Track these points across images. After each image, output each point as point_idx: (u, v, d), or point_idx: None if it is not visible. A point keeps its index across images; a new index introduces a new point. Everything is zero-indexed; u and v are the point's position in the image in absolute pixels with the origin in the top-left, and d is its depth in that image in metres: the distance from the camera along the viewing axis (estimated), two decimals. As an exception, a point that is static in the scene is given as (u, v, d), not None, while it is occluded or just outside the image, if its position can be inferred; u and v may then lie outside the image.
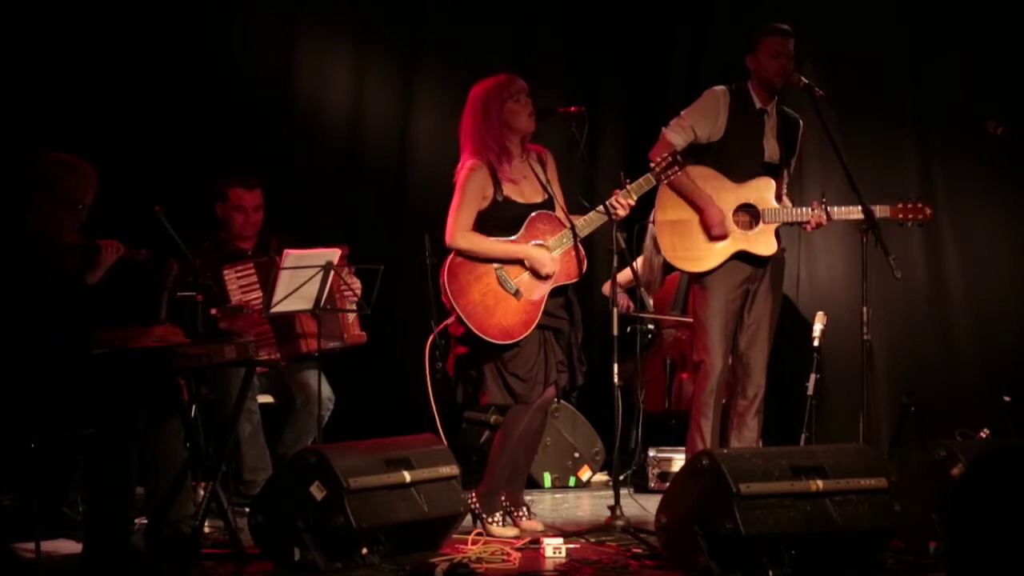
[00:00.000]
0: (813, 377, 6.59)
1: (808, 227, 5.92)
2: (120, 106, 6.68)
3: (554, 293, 5.40)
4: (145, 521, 5.01)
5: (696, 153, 5.88)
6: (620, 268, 5.67)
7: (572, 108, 5.52)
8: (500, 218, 5.35)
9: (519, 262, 5.33)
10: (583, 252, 5.43)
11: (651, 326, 7.05)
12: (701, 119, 5.87)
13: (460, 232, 5.33)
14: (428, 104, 7.60)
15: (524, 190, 5.42)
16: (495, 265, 5.33)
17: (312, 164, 7.31)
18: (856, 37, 7.22)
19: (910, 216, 5.83)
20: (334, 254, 5.80)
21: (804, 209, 5.86)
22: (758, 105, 5.92)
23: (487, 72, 7.65)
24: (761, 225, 5.86)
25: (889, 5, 7.21)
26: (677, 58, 7.90)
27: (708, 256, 5.83)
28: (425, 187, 7.49)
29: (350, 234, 6.47)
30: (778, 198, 5.92)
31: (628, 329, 6.94)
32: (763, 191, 5.87)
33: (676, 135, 5.84)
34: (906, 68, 7.13)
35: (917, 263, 6.99)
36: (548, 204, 5.43)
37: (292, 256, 5.77)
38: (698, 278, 5.87)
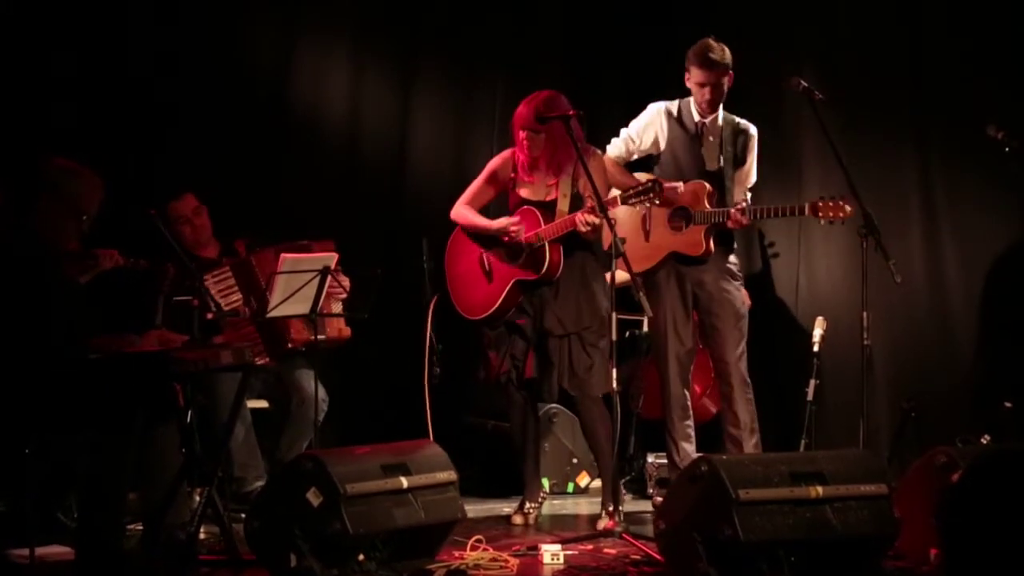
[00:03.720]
0: (813, 383, 6.60)
1: (730, 224, 6.03)
2: (117, 107, 6.69)
3: (529, 291, 5.82)
4: (140, 527, 5.04)
5: (646, 163, 6.28)
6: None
7: (571, 111, 5.63)
8: (507, 206, 5.95)
9: (498, 245, 5.88)
10: (552, 256, 5.76)
11: (648, 329, 7.05)
12: (639, 130, 6.23)
13: (458, 204, 6.02)
14: (427, 106, 7.61)
15: (537, 189, 5.88)
16: (483, 249, 5.91)
17: (310, 167, 7.31)
18: (855, 38, 7.23)
19: (830, 214, 5.86)
20: (331, 258, 5.82)
21: (725, 210, 6.02)
22: (696, 119, 6.14)
23: (485, 74, 7.73)
24: (691, 227, 6.02)
25: (889, 5, 7.23)
26: (678, 59, 7.90)
27: (646, 256, 6.07)
28: (423, 190, 7.50)
29: (347, 237, 6.47)
30: (720, 202, 6.05)
31: (627, 334, 6.96)
32: (696, 194, 6.04)
33: (613, 147, 6.21)
34: (906, 69, 7.13)
35: (917, 267, 7.00)
36: (550, 204, 5.80)
37: (289, 260, 5.78)
38: (645, 280, 6.01)
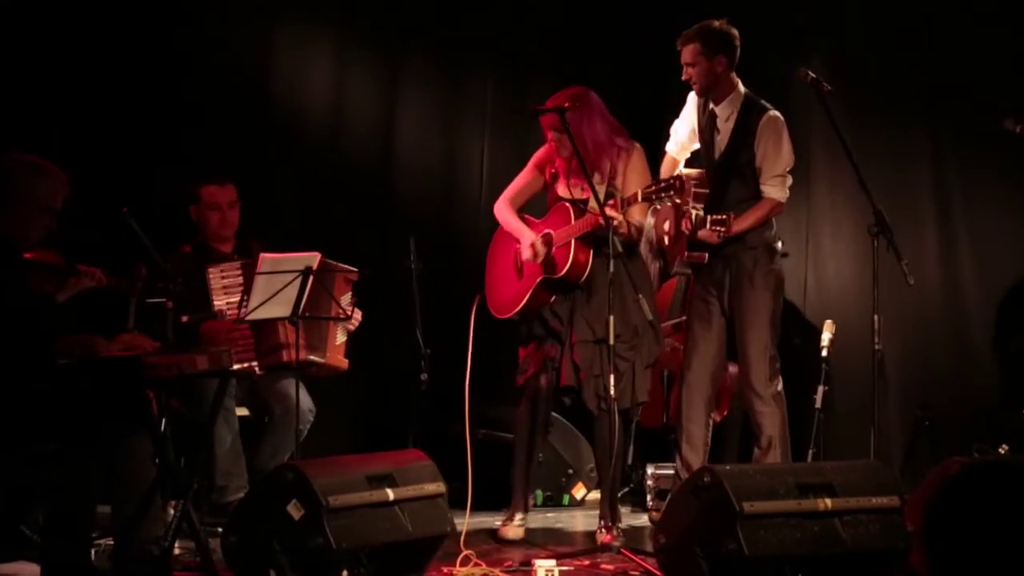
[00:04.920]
0: (821, 389, 6.58)
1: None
2: (86, 102, 6.66)
3: (559, 292, 5.84)
4: (111, 542, 5.00)
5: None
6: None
7: (566, 104, 5.65)
8: (547, 203, 6.01)
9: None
10: (578, 256, 5.73)
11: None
12: (678, 123, 6.29)
13: (500, 199, 6.10)
14: (414, 100, 7.60)
15: (574, 187, 5.90)
16: (518, 246, 5.95)
17: (291, 164, 7.30)
18: (866, 26, 7.22)
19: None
20: (313, 258, 5.79)
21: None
22: (711, 106, 6.11)
23: (476, 66, 7.71)
24: None
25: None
26: (675, 56, 7.89)
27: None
28: (411, 188, 7.48)
29: (332, 238, 6.46)
30: (720, 196, 5.99)
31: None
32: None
33: (669, 143, 6.29)
34: (919, 59, 7.12)
35: (931, 268, 6.99)
36: (583, 202, 5.82)
37: (269, 260, 5.76)
38: None
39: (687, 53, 6.06)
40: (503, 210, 6.06)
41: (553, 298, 5.90)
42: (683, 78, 6.12)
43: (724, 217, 5.73)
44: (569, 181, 5.90)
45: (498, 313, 6.04)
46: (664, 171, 6.27)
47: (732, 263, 6.02)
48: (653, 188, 5.56)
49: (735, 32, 6.07)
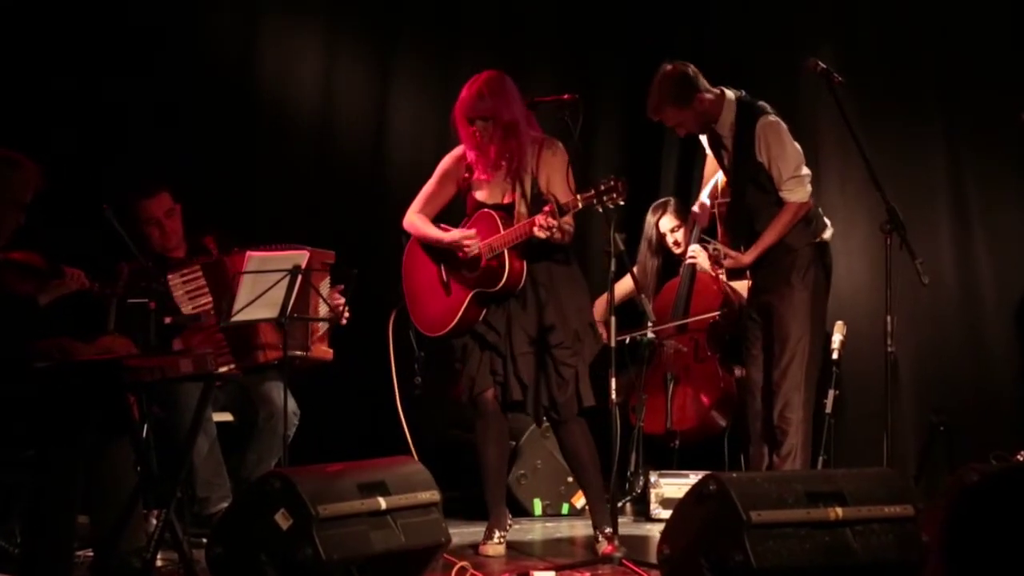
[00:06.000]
0: (832, 393, 6.57)
1: None
2: (67, 96, 6.65)
3: (493, 303, 5.74)
4: (91, 554, 4.99)
5: None
6: (619, 275, 5.69)
7: (565, 96, 5.60)
8: (465, 210, 5.87)
9: (454, 257, 5.77)
10: (513, 265, 5.65)
11: (651, 336, 6.98)
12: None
13: (409, 212, 5.96)
14: (407, 94, 7.60)
15: (493, 190, 5.77)
16: (440, 259, 5.85)
17: (279, 158, 7.29)
18: (877, 18, 7.21)
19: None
20: (302, 256, 5.77)
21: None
22: (712, 125, 6.10)
23: (472, 61, 7.69)
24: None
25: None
26: (678, 49, 7.87)
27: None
28: (403, 185, 7.43)
29: (321, 236, 6.44)
30: (738, 211, 6.10)
31: (627, 341, 6.90)
32: None
33: None
34: (933, 49, 7.11)
35: (946, 267, 6.98)
36: (509, 207, 5.72)
37: (256, 259, 5.73)
38: None
39: (667, 119, 6.05)
40: (418, 222, 5.91)
41: (485, 310, 5.81)
42: (681, 135, 6.15)
43: (717, 252, 6.10)
44: (490, 181, 5.77)
45: (428, 331, 5.95)
46: (708, 171, 6.37)
47: (772, 268, 6.04)
48: (592, 193, 5.41)
49: (686, 67, 6.02)
